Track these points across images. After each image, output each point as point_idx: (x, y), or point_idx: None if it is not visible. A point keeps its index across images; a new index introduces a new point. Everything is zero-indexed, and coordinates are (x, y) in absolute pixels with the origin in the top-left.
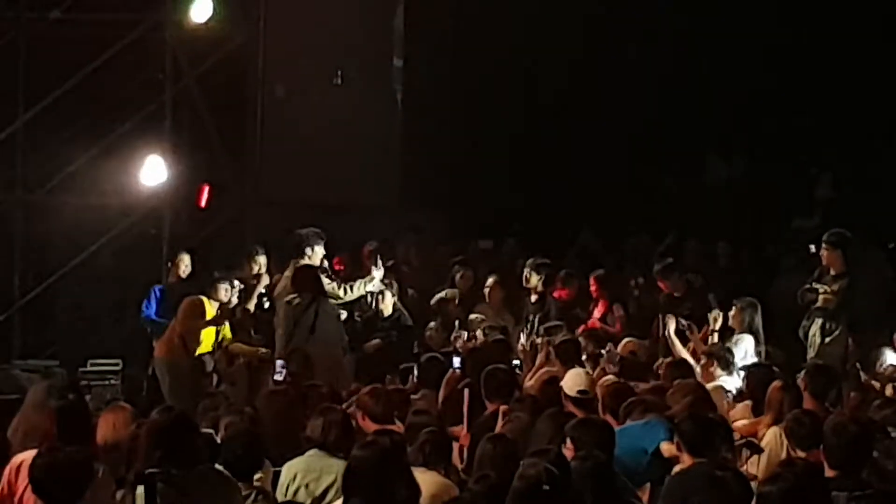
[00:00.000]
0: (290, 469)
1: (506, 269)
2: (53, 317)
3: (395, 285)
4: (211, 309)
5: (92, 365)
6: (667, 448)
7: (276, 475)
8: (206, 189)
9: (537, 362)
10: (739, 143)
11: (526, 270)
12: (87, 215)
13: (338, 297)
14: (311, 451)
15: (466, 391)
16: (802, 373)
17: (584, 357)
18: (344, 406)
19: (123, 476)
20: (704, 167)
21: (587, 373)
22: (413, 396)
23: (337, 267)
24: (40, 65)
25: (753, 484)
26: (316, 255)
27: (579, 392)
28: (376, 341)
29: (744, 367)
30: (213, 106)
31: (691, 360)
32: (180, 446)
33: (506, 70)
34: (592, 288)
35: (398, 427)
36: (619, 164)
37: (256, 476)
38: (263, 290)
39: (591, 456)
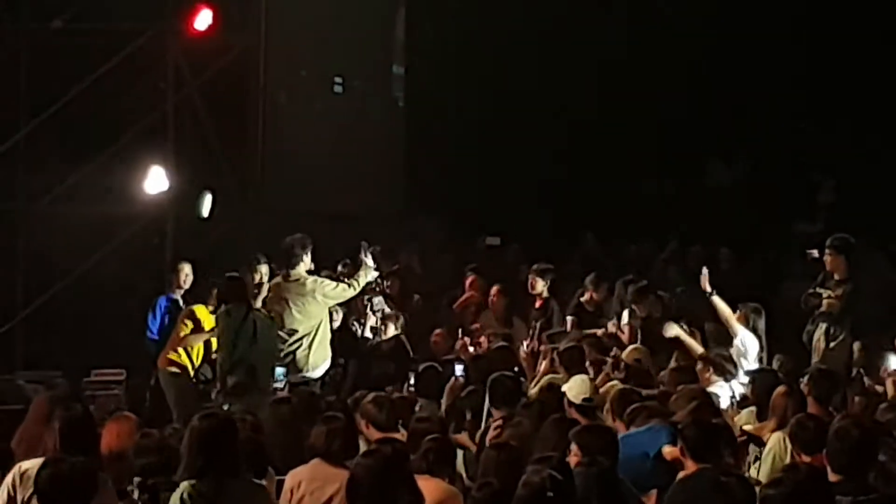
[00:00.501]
0: (294, 477)
1: (510, 275)
2: (56, 327)
3: (402, 318)
4: (208, 317)
5: (95, 375)
6: (669, 451)
7: (280, 483)
8: (209, 198)
9: (542, 368)
10: (741, 148)
11: (531, 276)
12: (89, 225)
13: (342, 297)
14: (315, 460)
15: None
16: (806, 378)
17: (586, 363)
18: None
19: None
20: (706, 172)
21: (591, 379)
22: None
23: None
24: (42, 75)
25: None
26: (308, 260)
27: (584, 399)
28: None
29: (748, 373)
30: (214, 115)
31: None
32: (223, 454)
33: (507, 76)
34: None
35: (402, 435)
36: (621, 169)
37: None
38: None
39: (595, 462)
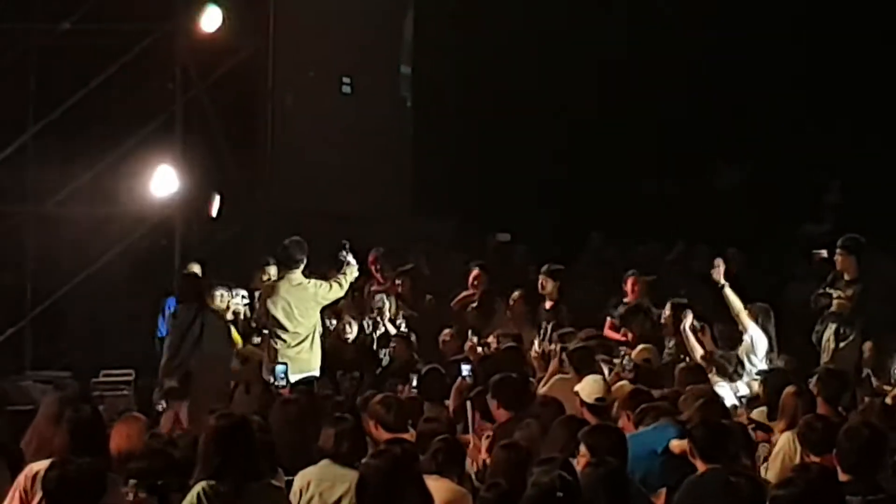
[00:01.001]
0: (303, 478)
1: (518, 275)
2: (65, 328)
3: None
4: None
5: (104, 375)
6: (676, 444)
7: (289, 484)
8: (217, 199)
9: (550, 369)
10: (746, 149)
11: (541, 277)
12: (98, 226)
13: (334, 298)
14: (324, 461)
15: (469, 404)
16: (815, 378)
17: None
18: None
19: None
20: (713, 173)
21: (603, 379)
22: None
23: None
24: (50, 76)
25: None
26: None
27: (597, 399)
28: None
29: (760, 373)
30: (222, 116)
31: (700, 352)
32: (240, 454)
33: (515, 77)
34: (629, 288)
35: (411, 435)
36: (626, 170)
37: None
38: None
39: (604, 462)
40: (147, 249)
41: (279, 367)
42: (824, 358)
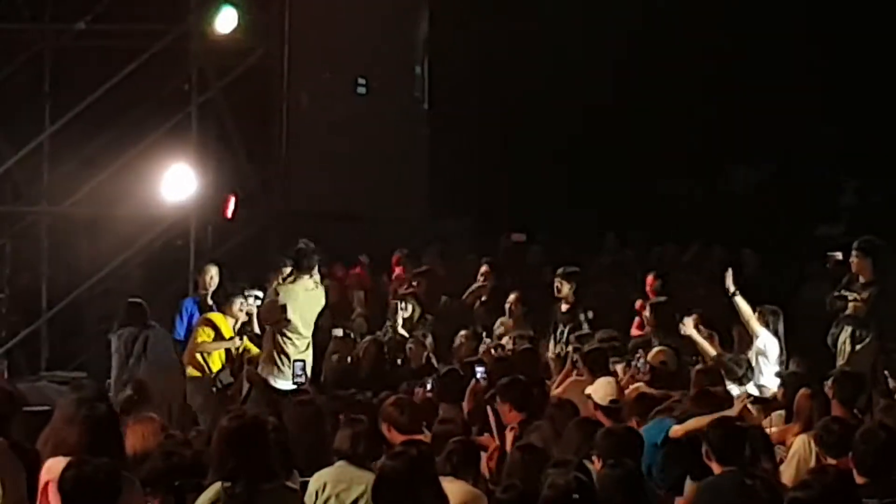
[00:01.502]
0: (319, 479)
1: (532, 277)
2: (80, 329)
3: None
4: (225, 324)
5: None
6: (677, 428)
7: (304, 485)
8: (233, 200)
9: (564, 370)
10: (764, 151)
11: (556, 280)
12: (112, 227)
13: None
14: (340, 463)
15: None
16: (830, 380)
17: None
18: None
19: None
20: (729, 175)
21: (617, 382)
22: None
23: (361, 276)
24: (65, 76)
25: None
26: None
27: (611, 401)
28: None
29: (778, 374)
30: (238, 116)
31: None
32: (255, 455)
33: (530, 77)
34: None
35: (425, 437)
36: (643, 171)
37: None
38: None
39: (621, 464)
40: (162, 250)
41: (298, 364)
42: (840, 361)
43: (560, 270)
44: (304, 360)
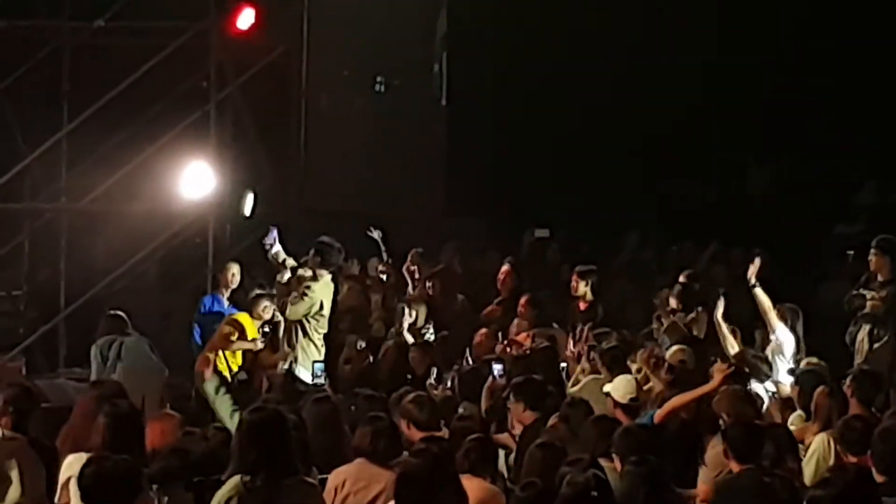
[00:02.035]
0: (338, 476)
1: (551, 274)
2: (99, 326)
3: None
4: (251, 325)
5: None
6: (658, 413)
7: (322, 482)
8: (251, 197)
9: (578, 368)
10: (781, 149)
11: (573, 279)
12: (131, 224)
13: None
14: (359, 460)
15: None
16: (848, 379)
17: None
18: None
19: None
20: (746, 174)
21: (636, 380)
22: None
23: (382, 275)
24: (84, 73)
25: None
26: None
27: (630, 399)
28: None
29: (790, 372)
30: (256, 114)
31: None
32: (276, 448)
33: (548, 75)
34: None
35: (444, 434)
36: (661, 169)
37: None
38: None
39: (645, 461)
40: (180, 248)
41: (318, 365)
42: (858, 359)
43: (576, 269)
44: (323, 362)
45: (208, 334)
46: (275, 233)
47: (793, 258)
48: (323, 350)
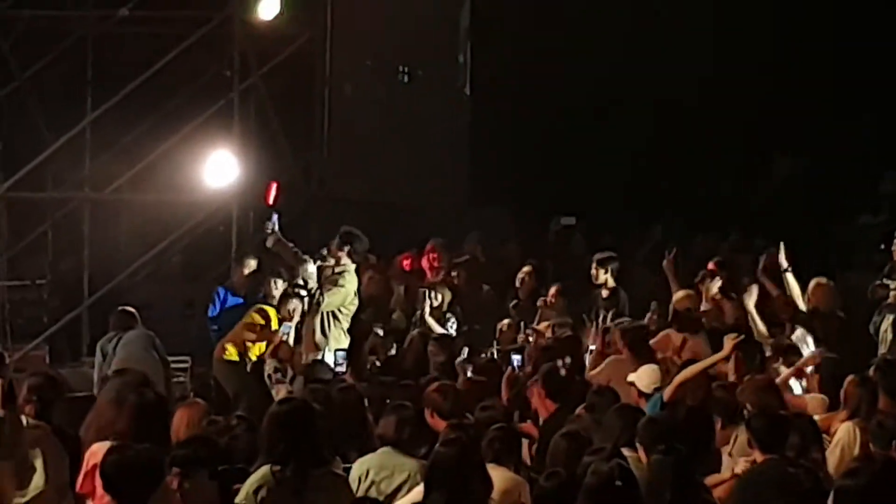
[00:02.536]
0: (362, 465)
1: (576, 263)
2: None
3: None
4: (276, 320)
5: None
6: (666, 391)
7: (346, 471)
8: (275, 187)
9: (596, 350)
10: (804, 141)
11: (593, 267)
12: (155, 213)
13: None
14: (384, 449)
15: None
16: (873, 369)
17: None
18: None
19: None
20: (770, 165)
21: (662, 369)
22: None
23: (405, 265)
24: (107, 63)
25: None
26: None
27: (655, 389)
28: None
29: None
30: (279, 103)
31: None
32: (304, 440)
33: (572, 65)
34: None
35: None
36: (685, 159)
37: None
38: None
39: (673, 450)
40: (204, 237)
41: (340, 353)
42: (882, 349)
43: (596, 256)
44: (345, 350)
45: (219, 323)
46: (275, 218)
47: (816, 249)
48: (348, 339)
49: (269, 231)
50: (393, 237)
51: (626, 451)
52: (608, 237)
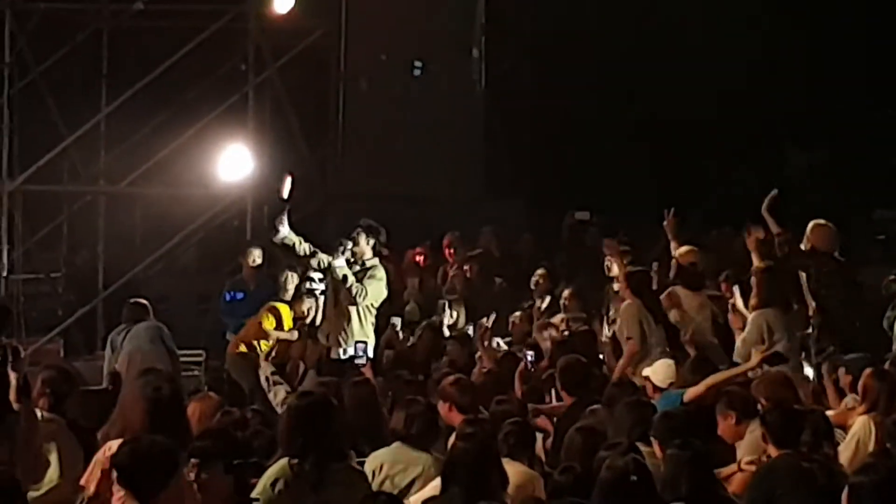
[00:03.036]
0: (376, 460)
1: (591, 258)
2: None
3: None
4: (289, 318)
5: None
6: (691, 391)
7: (360, 465)
8: (289, 179)
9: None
10: (820, 134)
11: (607, 260)
12: (169, 207)
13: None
14: (397, 443)
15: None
16: (888, 363)
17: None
18: None
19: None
20: (784, 159)
21: (676, 364)
22: None
23: (419, 258)
24: (122, 56)
25: None
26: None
27: (671, 384)
28: None
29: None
30: (294, 97)
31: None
32: (323, 434)
33: (586, 59)
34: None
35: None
36: (699, 153)
37: None
38: None
39: (690, 445)
40: (218, 230)
41: (360, 345)
42: None
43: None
44: (366, 342)
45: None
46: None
47: None
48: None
49: (279, 225)
50: (407, 231)
51: (640, 446)
52: (622, 232)
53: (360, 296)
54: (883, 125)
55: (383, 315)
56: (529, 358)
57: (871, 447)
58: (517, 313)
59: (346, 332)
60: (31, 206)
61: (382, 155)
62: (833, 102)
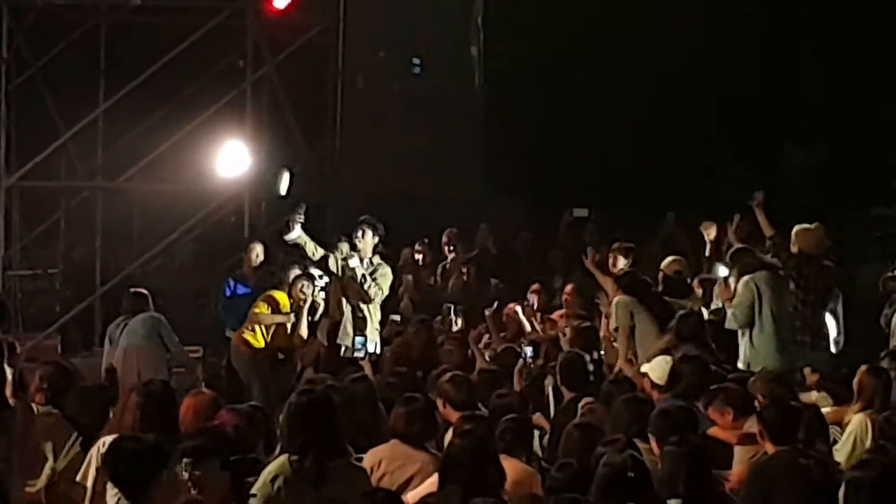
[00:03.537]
0: (375, 456)
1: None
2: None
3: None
4: (286, 301)
5: None
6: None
7: (358, 462)
8: (287, 177)
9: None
10: (818, 131)
11: (612, 255)
12: (167, 203)
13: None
14: (394, 441)
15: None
16: (886, 360)
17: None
18: None
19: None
20: (783, 157)
21: (674, 360)
22: None
23: (418, 256)
24: (120, 52)
25: None
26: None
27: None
28: None
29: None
30: (292, 93)
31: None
32: (324, 430)
33: (585, 57)
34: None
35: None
36: (698, 151)
37: None
38: None
39: (687, 441)
40: (216, 226)
41: (359, 340)
42: (893, 341)
43: (615, 245)
44: (366, 337)
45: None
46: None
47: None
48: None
49: (293, 224)
50: (405, 228)
51: (637, 442)
52: (620, 229)
53: (377, 296)
54: (882, 123)
55: (384, 313)
56: (528, 354)
57: (867, 444)
58: (510, 305)
59: (359, 330)
60: (28, 202)
61: (381, 152)
62: (832, 100)
